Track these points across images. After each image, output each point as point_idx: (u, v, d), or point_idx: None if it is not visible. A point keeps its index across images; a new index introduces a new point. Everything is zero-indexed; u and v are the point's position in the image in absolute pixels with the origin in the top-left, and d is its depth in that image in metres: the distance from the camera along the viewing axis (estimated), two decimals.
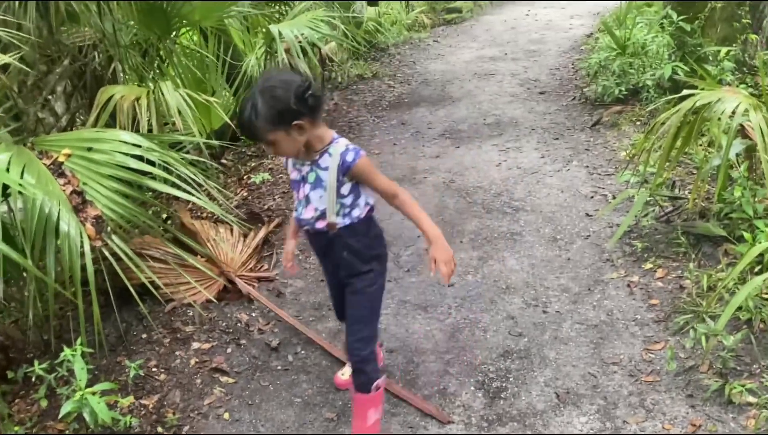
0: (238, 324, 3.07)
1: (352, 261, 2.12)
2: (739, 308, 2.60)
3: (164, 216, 3.73)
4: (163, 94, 3.96)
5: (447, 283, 2.59)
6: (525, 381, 2.57)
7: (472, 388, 2.56)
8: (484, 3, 12.27)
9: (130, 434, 2.37)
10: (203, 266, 3.22)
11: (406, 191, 2.11)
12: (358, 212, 2.09)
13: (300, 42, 5.53)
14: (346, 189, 2.04)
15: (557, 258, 3.45)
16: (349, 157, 1.99)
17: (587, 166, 4.58)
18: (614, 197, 3.99)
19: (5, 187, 2.46)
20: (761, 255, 2.61)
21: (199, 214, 4.00)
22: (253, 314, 3.16)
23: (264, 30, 5.67)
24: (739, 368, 2.45)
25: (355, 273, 2.14)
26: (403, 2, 11.12)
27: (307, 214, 2.09)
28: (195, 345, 2.90)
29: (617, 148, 4.75)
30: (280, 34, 5.49)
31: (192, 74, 5.13)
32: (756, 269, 2.75)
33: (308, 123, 1.92)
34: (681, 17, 5.00)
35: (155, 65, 4.62)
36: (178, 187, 2.94)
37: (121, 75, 4.33)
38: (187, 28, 5.02)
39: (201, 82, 5.20)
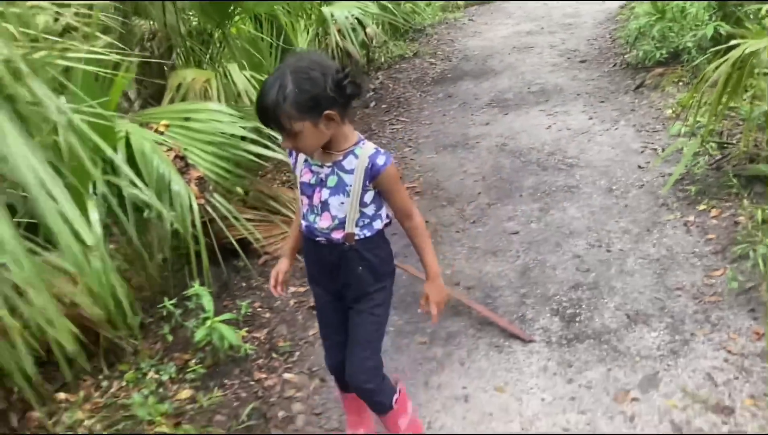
0: None
1: (367, 278, 1.83)
2: None
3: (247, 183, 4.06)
4: (231, 75, 4.34)
5: (435, 322, 2.14)
6: (597, 307, 2.83)
7: (549, 314, 2.83)
8: None
9: (249, 360, 2.69)
10: (283, 223, 3.56)
11: (420, 215, 1.86)
12: (379, 225, 1.81)
13: (351, 23, 5.84)
14: (369, 197, 1.75)
15: (615, 205, 3.68)
16: (380, 161, 1.70)
17: (634, 125, 4.79)
18: (663, 150, 4.20)
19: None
20: None
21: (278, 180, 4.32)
22: None
23: (316, 12, 5.97)
24: None
25: (366, 293, 1.85)
26: None
27: (323, 223, 1.76)
28: (291, 289, 3.21)
29: (662, 106, 4.94)
30: (332, 15, 5.81)
31: (250, 57, 5.46)
32: None
33: (339, 115, 1.64)
34: None
35: (218, 50, 4.94)
36: (268, 147, 3.28)
37: (181, 61, 4.66)
38: (242, 15, 5.34)
39: (258, 65, 5.52)
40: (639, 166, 4.10)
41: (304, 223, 1.82)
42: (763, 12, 4.72)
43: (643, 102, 5.18)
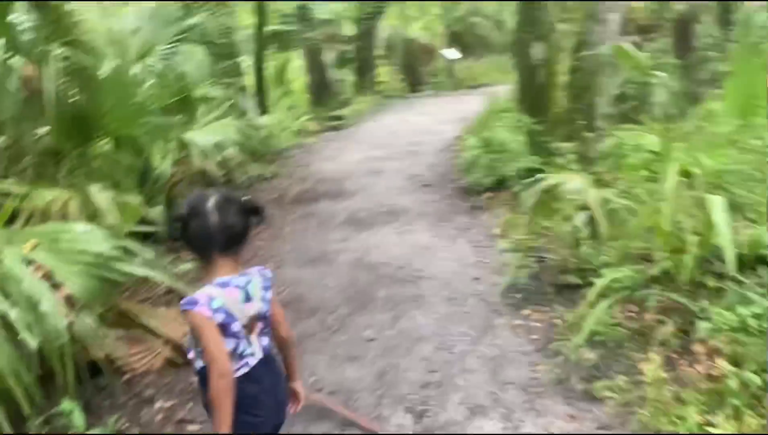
0: (192, 385, 3.48)
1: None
2: (597, 333, 3.46)
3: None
4: (90, 195, 4.49)
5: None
6: (443, 402, 3.21)
7: (402, 412, 3.16)
8: (364, 111, 13.62)
9: None
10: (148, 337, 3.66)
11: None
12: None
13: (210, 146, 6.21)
14: None
15: (456, 313, 4.20)
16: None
17: (470, 241, 5.49)
18: (497, 270, 4.87)
19: None
20: (606, 288, 3.52)
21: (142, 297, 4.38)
22: None
23: (177, 138, 6.27)
24: (597, 374, 3.26)
25: None
26: (290, 111, 12.18)
27: None
28: (158, 404, 3.27)
29: (492, 225, 5.73)
30: (193, 140, 6.15)
31: (110, 177, 5.58)
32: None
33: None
34: (533, 120, 6.24)
35: (76, 169, 5.04)
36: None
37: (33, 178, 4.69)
38: (104, 137, 5.49)
39: (117, 185, 5.64)
40: (474, 278, 4.72)
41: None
42: (565, 149, 5.76)
43: (476, 221, 5.96)
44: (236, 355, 1.96)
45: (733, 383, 2.74)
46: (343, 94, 15.32)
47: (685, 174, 3.66)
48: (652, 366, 3.06)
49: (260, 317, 2.04)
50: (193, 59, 6.84)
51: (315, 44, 14.69)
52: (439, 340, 3.86)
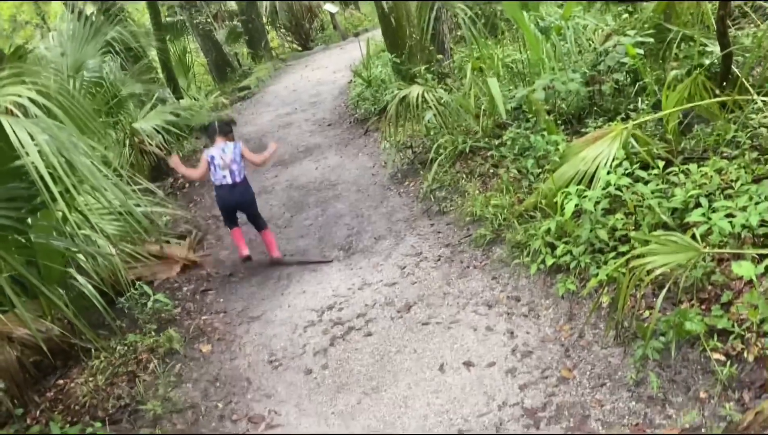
0: (202, 273, 5.39)
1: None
2: (441, 180, 5.57)
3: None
4: None
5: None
6: (359, 241, 5.27)
7: (337, 250, 5.20)
8: (264, 77, 15.24)
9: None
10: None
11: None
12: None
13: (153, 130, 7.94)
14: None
15: (362, 196, 6.24)
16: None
17: (368, 154, 7.52)
18: (384, 164, 6.92)
19: None
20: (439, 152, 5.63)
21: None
22: (208, 270, 5.50)
23: (129, 126, 7.94)
24: (445, 201, 5.39)
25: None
26: (200, 91, 13.71)
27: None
28: (184, 289, 5.18)
29: (380, 139, 7.76)
30: (141, 128, 7.85)
31: None
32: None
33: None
34: (394, 54, 8.22)
35: None
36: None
37: None
38: None
39: None
40: (372, 175, 6.77)
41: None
42: (422, 71, 7.78)
43: (369, 140, 7.98)
44: (216, 176, 4.93)
45: (507, 175, 4.89)
46: (242, 66, 16.82)
47: (479, 70, 5.77)
48: (472, 186, 5.20)
49: (232, 161, 4.81)
50: (115, 67, 8.53)
51: (204, 26, 16.03)
52: (354, 212, 5.91)
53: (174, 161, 5.28)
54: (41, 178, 2.80)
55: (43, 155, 2.80)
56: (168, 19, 15.68)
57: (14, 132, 2.81)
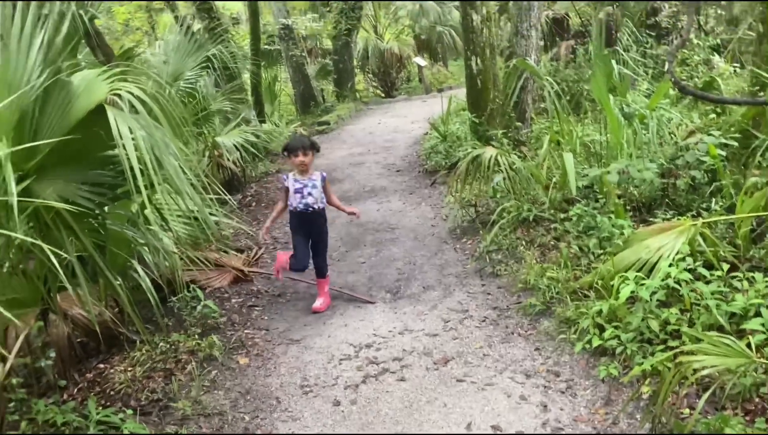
0: (252, 289, 5.55)
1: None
2: (498, 242, 5.59)
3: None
4: None
5: (359, 216, 5.72)
6: (408, 287, 5.32)
7: (384, 292, 5.27)
8: (345, 116, 15.72)
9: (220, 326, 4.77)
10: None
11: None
12: (324, 203, 5.04)
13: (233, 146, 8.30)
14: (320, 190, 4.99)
15: (418, 244, 6.32)
16: (323, 175, 4.96)
17: (431, 205, 7.62)
18: (446, 217, 6.99)
19: None
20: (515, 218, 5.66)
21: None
22: (259, 286, 5.65)
23: (211, 140, 8.34)
24: (500, 264, 5.39)
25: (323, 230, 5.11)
26: (282, 119, 14.24)
27: (309, 200, 4.92)
28: (233, 300, 5.34)
29: (446, 193, 7.86)
30: (222, 142, 8.23)
31: None
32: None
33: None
34: (474, 114, 8.38)
35: None
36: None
37: None
38: None
39: None
40: (431, 225, 6.85)
41: (295, 204, 4.85)
42: (499, 135, 7.89)
43: (434, 192, 8.10)
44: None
45: (567, 250, 4.87)
46: (326, 102, 17.42)
47: (557, 143, 5.83)
48: (530, 254, 5.19)
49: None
50: (209, 82, 9.02)
51: (298, 59, 16.76)
52: (407, 259, 5.98)
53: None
54: (131, 169, 3.00)
55: (138, 149, 3.01)
56: (266, 46, 16.51)
57: (116, 123, 3.05)
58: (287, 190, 4.99)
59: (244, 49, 14.18)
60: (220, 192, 5.13)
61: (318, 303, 5.06)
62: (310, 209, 4.94)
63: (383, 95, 20.42)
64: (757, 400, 2.97)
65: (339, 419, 3.52)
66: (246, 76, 12.98)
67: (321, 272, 5.15)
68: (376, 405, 3.63)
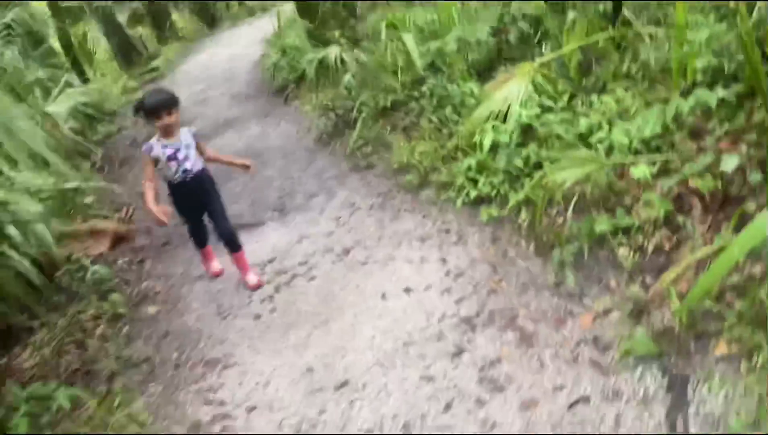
0: (135, 246, 5.40)
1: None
2: (363, 137, 5.79)
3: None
4: None
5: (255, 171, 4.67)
6: (291, 199, 5.42)
7: (269, 211, 5.34)
8: (173, 57, 14.88)
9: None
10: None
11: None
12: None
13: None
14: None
15: (291, 160, 6.38)
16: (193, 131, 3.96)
17: (290, 122, 7.63)
18: (308, 129, 7.05)
19: None
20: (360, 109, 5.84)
21: None
22: (142, 242, 5.51)
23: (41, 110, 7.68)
24: (370, 150, 5.61)
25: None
26: (106, 76, 13.28)
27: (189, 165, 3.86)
28: (120, 261, 5.18)
29: (300, 106, 7.88)
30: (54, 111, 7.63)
31: None
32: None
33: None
34: (309, 22, 8.32)
35: None
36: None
37: None
38: None
39: None
40: (297, 139, 6.92)
41: (172, 175, 3.84)
42: (337, 36, 7.91)
43: (290, 108, 8.10)
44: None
45: (429, 125, 5.17)
46: (148, 49, 16.31)
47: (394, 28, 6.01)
48: (396, 138, 5.44)
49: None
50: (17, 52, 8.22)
51: (105, 9, 15.42)
52: (284, 176, 6.05)
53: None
54: None
55: None
56: (64, 4, 14.98)
57: None
58: (156, 160, 3.81)
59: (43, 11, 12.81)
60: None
61: (250, 278, 4.18)
62: (192, 175, 3.92)
63: (208, 29, 19.42)
64: (614, 199, 3.46)
65: (263, 329, 3.67)
66: (54, 41, 11.83)
67: (233, 244, 4.13)
68: (294, 306, 3.80)
